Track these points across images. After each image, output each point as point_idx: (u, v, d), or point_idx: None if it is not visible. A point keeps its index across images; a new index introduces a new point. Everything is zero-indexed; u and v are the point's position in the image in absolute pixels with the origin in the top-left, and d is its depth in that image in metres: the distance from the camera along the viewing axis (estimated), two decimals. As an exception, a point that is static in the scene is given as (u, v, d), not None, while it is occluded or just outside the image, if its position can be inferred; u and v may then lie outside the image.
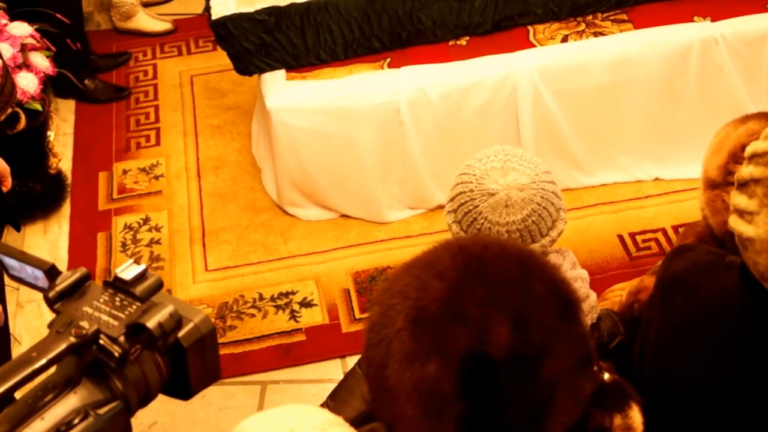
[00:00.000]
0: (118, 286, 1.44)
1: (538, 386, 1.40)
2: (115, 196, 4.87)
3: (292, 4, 4.26)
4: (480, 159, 2.44)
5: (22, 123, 4.26)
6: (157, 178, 4.94)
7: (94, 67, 5.46)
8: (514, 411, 1.39)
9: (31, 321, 4.30)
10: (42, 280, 1.46)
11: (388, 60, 4.42)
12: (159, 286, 1.45)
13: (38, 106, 4.35)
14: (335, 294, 4.30)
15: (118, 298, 1.43)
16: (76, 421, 1.32)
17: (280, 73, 4.41)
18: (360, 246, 4.51)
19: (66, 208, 4.79)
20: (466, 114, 4.34)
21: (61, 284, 1.44)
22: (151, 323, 1.37)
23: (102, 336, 1.37)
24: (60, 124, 5.09)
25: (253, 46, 4.32)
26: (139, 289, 1.43)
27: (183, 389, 1.49)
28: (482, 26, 4.45)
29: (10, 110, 4.11)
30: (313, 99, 4.31)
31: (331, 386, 3.96)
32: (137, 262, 1.47)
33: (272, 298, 4.29)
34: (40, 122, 4.43)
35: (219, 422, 3.85)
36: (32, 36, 4.43)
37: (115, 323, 1.38)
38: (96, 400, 1.37)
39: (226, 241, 4.58)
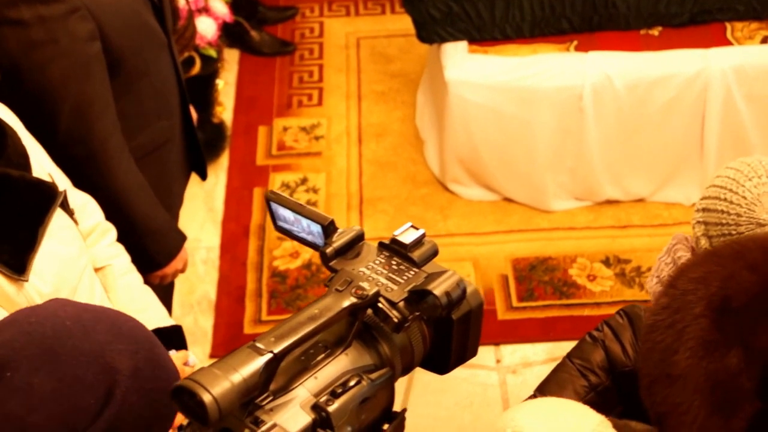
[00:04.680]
0: (395, 249, 1.40)
1: None
2: (274, 152, 4.81)
3: (487, -26, 4.14)
4: (749, 177, 2.20)
5: (197, 68, 4.21)
6: (317, 138, 4.87)
7: (262, 19, 5.41)
8: None
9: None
10: (316, 235, 1.42)
11: (575, 43, 4.27)
12: (435, 253, 1.42)
13: (213, 53, 4.31)
14: (493, 279, 4.18)
15: (394, 261, 1.39)
16: (351, 383, 1.28)
17: (462, 45, 4.29)
18: (521, 232, 4.38)
19: (224, 159, 4.75)
20: (651, 109, 4.18)
21: (338, 241, 1.41)
22: (438, 291, 1.31)
23: (381, 299, 1.33)
24: (224, 73, 5.04)
25: (439, 13, 4.21)
26: (417, 254, 1.39)
27: (441, 363, 1.45)
28: (678, 17, 4.26)
29: (186, 54, 4.05)
30: (494, 75, 4.19)
31: (483, 373, 3.91)
32: (414, 226, 1.42)
33: (427, 275, 4.18)
34: (213, 69, 4.38)
35: (366, 396, 3.78)
36: (213, -19, 4.37)
37: (394, 287, 1.35)
38: (366, 364, 1.34)
39: (384, 210, 4.49)
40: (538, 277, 4.18)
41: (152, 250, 2.67)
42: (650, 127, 4.23)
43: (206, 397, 1.13)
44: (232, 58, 5.27)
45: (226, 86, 5.05)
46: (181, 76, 2.83)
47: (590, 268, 4.18)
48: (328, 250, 1.38)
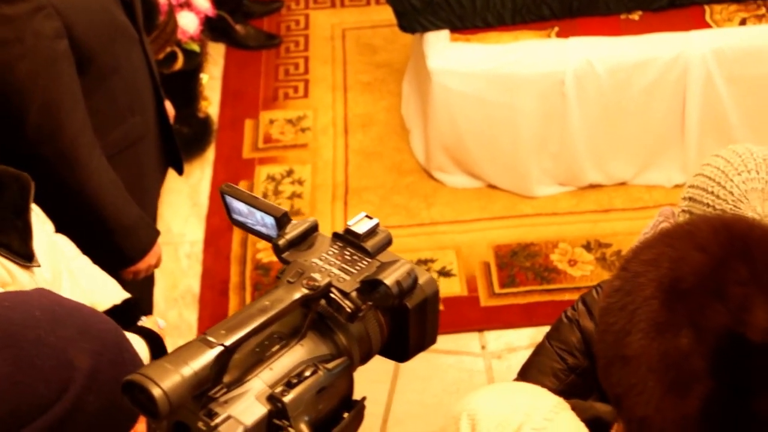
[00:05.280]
0: (348, 239, 1.40)
1: None
2: (260, 145, 4.84)
3: (466, -37, 4.16)
4: (739, 171, 2.14)
5: (179, 63, 4.24)
6: (303, 130, 4.89)
7: (247, 12, 5.43)
8: (764, 399, 1.31)
9: (166, 263, 4.28)
10: (270, 227, 1.42)
11: (556, 29, 4.30)
12: (388, 242, 1.41)
13: (196, 47, 4.33)
14: (475, 266, 4.21)
15: (347, 252, 1.39)
16: (307, 373, 1.28)
17: (444, 34, 4.32)
18: (504, 219, 4.42)
19: (210, 153, 4.78)
20: (632, 92, 4.21)
21: (291, 233, 1.40)
22: (389, 280, 1.31)
23: (333, 289, 1.33)
24: (210, 67, 5.06)
25: (420, 3, 4.23)
26: (370, 244, 1.39)
27: (400, 351, 1.46)
28: (657, 1, 4.29)
29: (168, 49, 4.08)
30: (476, 63, 4.21)
31: (468, 359, 3.95)
32: (368, 216, 1.42)
33: (410, 264, 4.20)
34: (196, 64, 4.41)
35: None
36: (195, -25, 4.39)
37: (347, 278, 1.35)
38: (322, 354, 1.34)
39: (369, 200, 4.52)
40: (519, 263, 4.21)
41: (124, 246, 2.69)
42: (632, 111, 4.26)
43: (156, 391, 1.14)
44: (217, 52, 5.30)
45: (212, 80, 5.08)
46: (154, 71, 2.83)
47: (571, 253, 4.21)
48: (281, 242, 1.39)
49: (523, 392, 1.50)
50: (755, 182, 2.13)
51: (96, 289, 2.28)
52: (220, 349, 1.20)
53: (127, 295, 2.36)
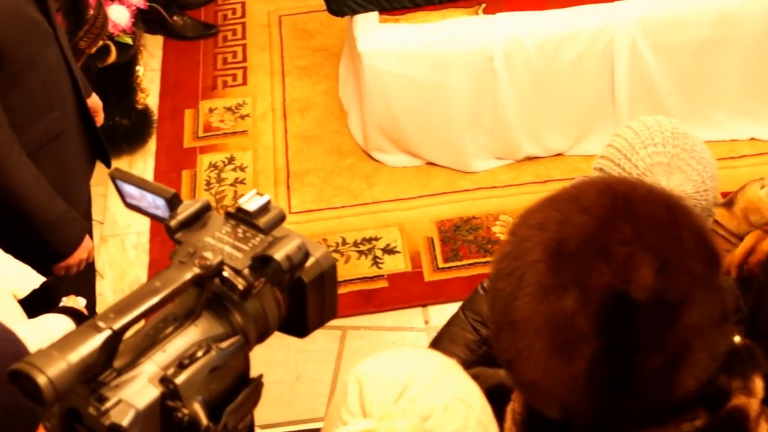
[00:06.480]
0: (240, 217, 1.38)
1: (676, 334, 1.34)
2: (200, 134, 4.86)
3: (390, -56, 4.19)
4: (645, 144, 2.14)
5: (113, 56, 4.24)
6: (242, 117, 4.92)
7: (183, 3, 5.43)
8: (649, 357, 1.33)
9: (114, 255, 4.32)
10: (162, 209, 1.39)
11: (483, 6, 4.34)
12: (282, 218, 1.40)
13: (129, 40, 4.33)
14: (419, 242, 4.26)
15: (240, 230, 1.37)
16: (199, 353, 1.28)
17: (373, 15, 4.35)
18: (445, 195, 4.46)
19: (151, 144, 4.79)
20: (560, 65, 4.26)
21: (183, 213, 1.38)
22: (279, 255, 1.30)
23: (226, 268, 1.32)
24: (148, 59, 5.08)
25: (348, -15, 4.26)
26: (263, 221, 1.37)
27: (299, 327, 1.44)
28: (581, -27, 4.33)
29: (101, 43, 4.09)
30: (405, 43, 4.25)
31: (412, 335, 4.00)
32: (259, 192, 1.40)
33: (355, 244, 4.26)
34: (129, 56, 4.42)
35: (297, 365, 3.85)
36: (125, -32, 4.39)
37: (239, 255, 1.33)
38: (217, 333, 1.33)
39: (311, 184, 4.55)
40: (462, 237, 4.26)
41: (53, 241, 2.70)
42: (562, 83, 4.31)
43: (41, 379, 1.13)
44: (155, 44, 5.31)
45: (151, 72, 5.09)
46: (71, 65, 2.84)
47: (512, 225, 4.26)
48: (172, 222, 1.36)
49: (411, 355, 1.49)
50: (661, 156, 2.12)
51: (13, 275, 2.28)
52: (107, 333, 1.20)
53: (43, 279, 2.35)
